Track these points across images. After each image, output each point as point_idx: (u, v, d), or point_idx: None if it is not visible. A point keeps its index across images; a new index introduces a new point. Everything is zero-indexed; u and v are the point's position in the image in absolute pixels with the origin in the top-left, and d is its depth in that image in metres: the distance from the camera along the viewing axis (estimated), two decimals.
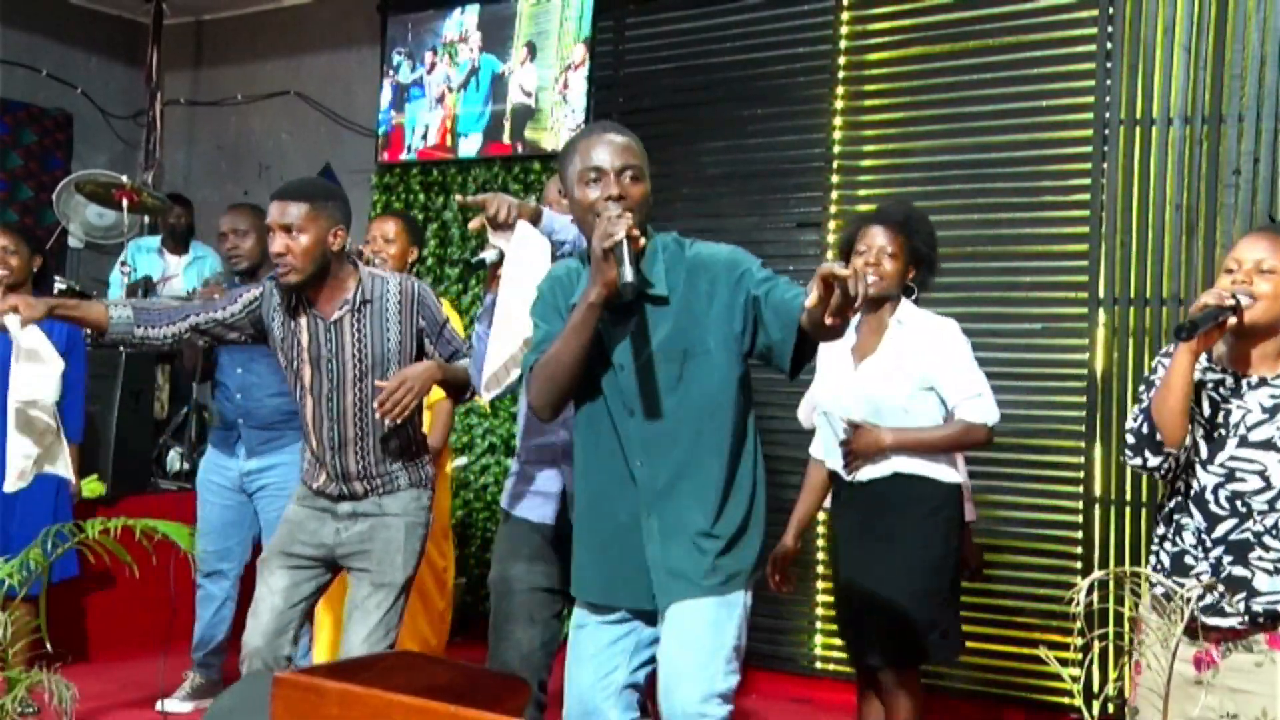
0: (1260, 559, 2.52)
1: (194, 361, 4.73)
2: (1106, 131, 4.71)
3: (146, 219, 6.90)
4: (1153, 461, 2.62)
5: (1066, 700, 4.37)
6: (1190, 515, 2.60)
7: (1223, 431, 2.57)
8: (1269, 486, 2.52)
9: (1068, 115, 4.85)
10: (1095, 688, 3.88)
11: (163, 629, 5.07)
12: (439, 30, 6.67)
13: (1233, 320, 2.51)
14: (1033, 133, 4.94)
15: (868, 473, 3.40)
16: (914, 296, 3.52)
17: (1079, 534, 4.72)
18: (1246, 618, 2.51)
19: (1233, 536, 2.54)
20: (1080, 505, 4.73)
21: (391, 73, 6.82)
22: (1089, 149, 4.76)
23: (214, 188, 7.76)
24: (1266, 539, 2.52)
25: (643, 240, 2.47)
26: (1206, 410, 2.60)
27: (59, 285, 5.57)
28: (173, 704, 4.52)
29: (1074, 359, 4.79)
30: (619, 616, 2.60)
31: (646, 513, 2.54)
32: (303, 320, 3.29)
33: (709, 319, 2.52)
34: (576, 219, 2.61)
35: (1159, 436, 2.58)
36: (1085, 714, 2.09)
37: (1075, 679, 2.13)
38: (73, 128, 7.62)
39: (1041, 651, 2.23)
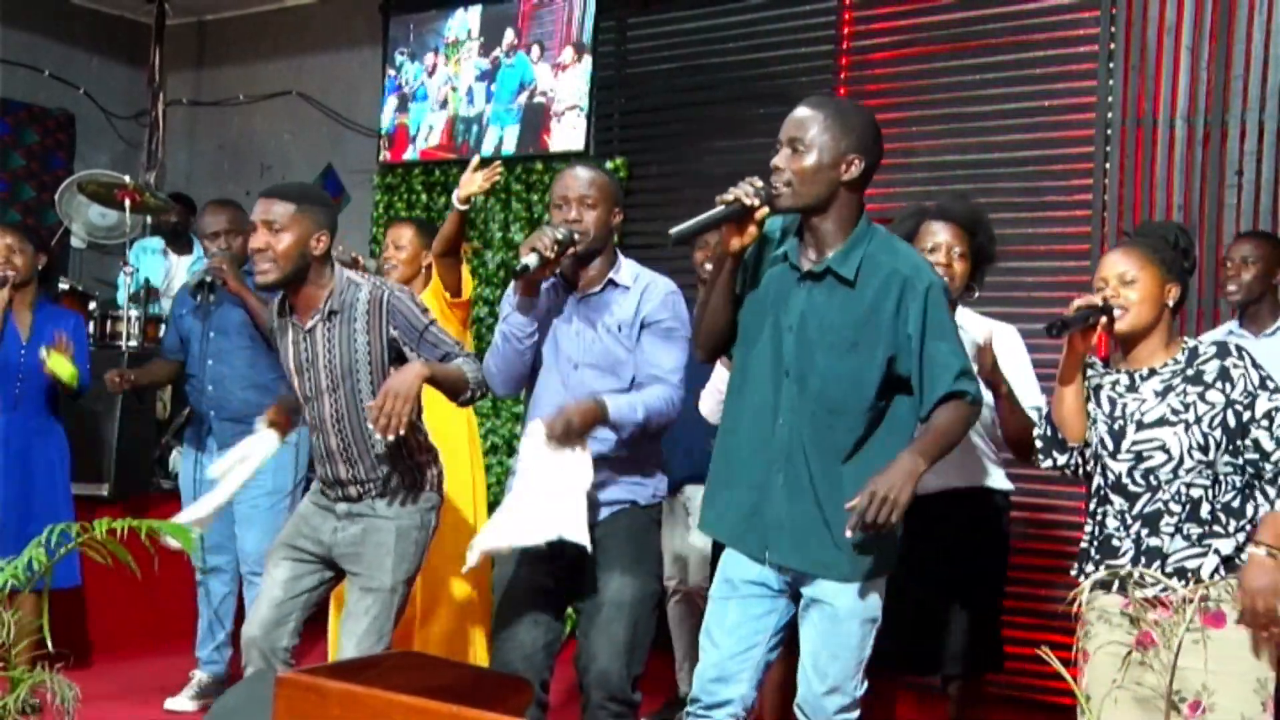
0: (1166, 524, 2.71)
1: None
2: (1109, 132, 4.71)
3: (149, 219, 6.90)
4: (1061, 459, 2.90)
5: (1067, 701, 4.36)
6: (1111, 502, 2.79)
7: (1122, 422, 2.77)
8: (1170, 458, 2.70)
9: (1070, 116, 4.85)
10: None
11: (166, 628, 5.09)
12: (441, 30, 6.67)
13: (1104, 321, 2.75)
14: (1035, 133, 4.94)
15: (936, 484, 3.21)
16: (975, 296, 3.46)
17: (1080, 534, 4.71)
18: (1165, 581, 2.60)
19: (1147, 510, 2.74)
20: (1082, 505, 4.72)
21: (394, 73, 6.83)
22: (1091, 149, 4.76)
23: (216, 188, 7.76)
24: (1171, 504, 2.71)
25: (762, 210, 2.61)
26: (1106, 407, 2.81)
27: (61, 285, 5.58)
28: (178, 703, 4.53)
29: None
30: (764, 592, 2.73)
31: (776, 469, 2.68)
32: (289, 328, 3.31)
33: (889, 325, 2.64)
34: None
35: (1061, 435, 2.86)
36: (1087, 715, 2.09)
37: (1076, 680, 2.13)
38: (75, 128, 7.62)
39: (1042, 651, 2.23)
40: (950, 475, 3.28)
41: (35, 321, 4.49)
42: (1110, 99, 4.71)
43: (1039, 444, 2.93)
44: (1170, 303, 2.80)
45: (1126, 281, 2.78)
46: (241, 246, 4.44)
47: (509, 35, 6.39)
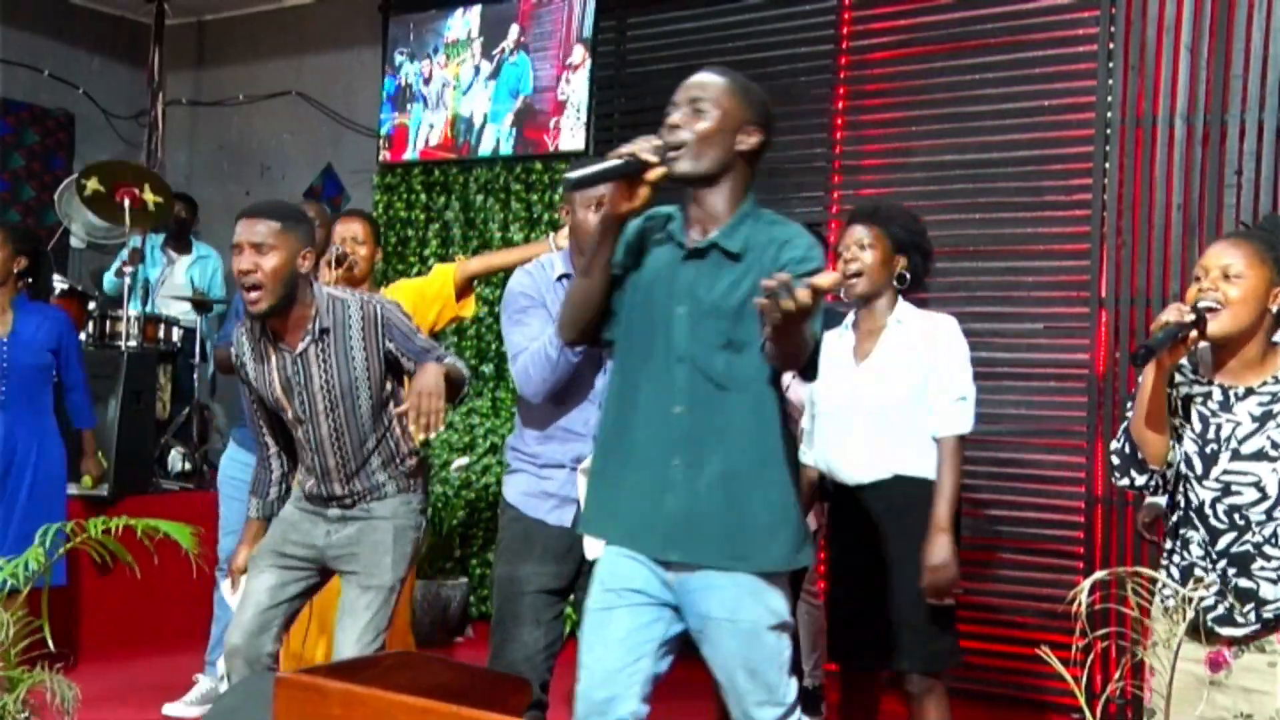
0: (1263, 569, 2.50)
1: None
2: (1108, 131, 4.71)
3: None
4: (1139, 480, 2.65)
5: (1067, 701, 4.36)
6: (1195, 528, 2.58)
7: (1215, 446, 2.54)
8: (1265, 497, 2.49)
9: (1069, 115, 4.85)
10: (1097, 689, 3.88)
11: (166, 630, 5.08)
12: (441, 30, 6.67)
13: (1194, 334, 2.48)
14: (1034, 133, 4.94)
15: (869, 476, 3.37)
16: (904, 286, 3.47)
17: (1080, 534, 4.72)
18: (1259, 625, 2.50)
19: (1234, 549, 2.53)
20: (1082, 505, 4.73)
21: (393, 73, 6.83)
22: (1090, 149, 4.76)
23: (216, 188, 7.77)
24: (1266, 548, 2.50)
25: (656, 171, 2.44)
26: (1197, 426, 2.58)
27: (60, 285, 5.57)
28: (179, 708, 4.49)
29: (1075, 359, 4.79)
30: (646, 601, 2.57)
31: (676, 459, 2.52)
32: (271, 355, 3.23)
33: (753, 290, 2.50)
34: None
35: (1140, 455, 2.61)
36: (1087, 715, 2.08)
37: (1077, 680, 2.13)
38: (75, 128, 7.63)
39: (1043, 652, 2.22)
40: (895, 463, 3.32)
41: (15, 320, 4.48)
42: (1110, 98, 4.71)
43: (1115, 460, 2.69)
44: (1275, 308, 2.52)
45: (1230, 276, 2.50)
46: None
47: (513, 32, 6.39)
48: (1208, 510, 2.55)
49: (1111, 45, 4.72)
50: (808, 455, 3.53)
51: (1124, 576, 2.66)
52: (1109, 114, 4.71)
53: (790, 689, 2.56)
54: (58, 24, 7.55)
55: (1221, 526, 2.53)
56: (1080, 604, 2.32)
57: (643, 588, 2.57)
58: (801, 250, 2.50)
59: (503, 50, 6.41)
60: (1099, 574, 2.69)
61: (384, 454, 3.28)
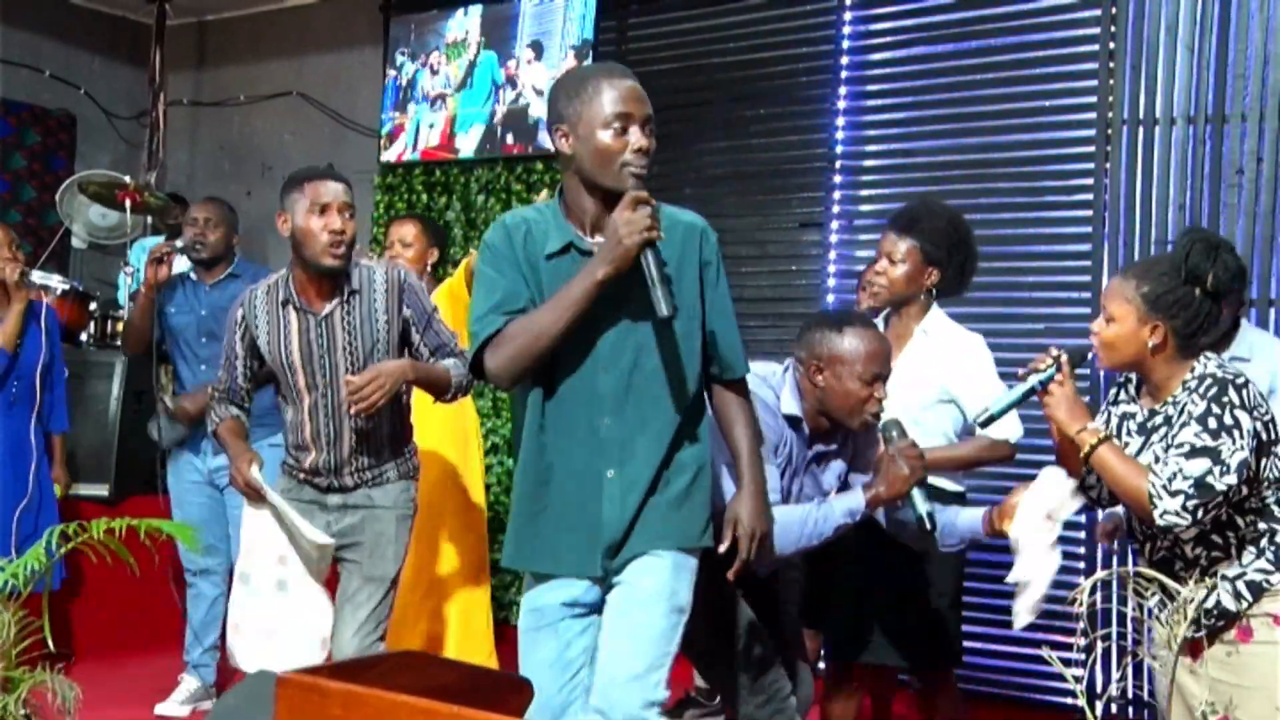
0: (1182, 571, 2.59)
1: (143, 337, 4.60)
2: (1109, 131, 4.71)
3: (149, 219, 6.90)
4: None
5: (1069, 700, 4.36)
6: (1134, 540, 2.73)
7: None
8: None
9: (1070, 115, 4.85)
10: (1098, 688, 3.88)
11: (160, 630, 5.06)
12: (442, 31, 6.67)
13: (1054, 383, 2.63)
14: (1035, 132, 4.94)
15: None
16: (929, 298, 3.45)
17: (1082, 534, 4.71)
18: (1195, 627, 2.52)
19: (1155, 558, 2.66)
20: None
21: (394, 73, 6.83)
22: (1092, 149, 4.76)
23: (217, 188, 7.75)
24: (1177, 549, 2.61)
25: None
26: (1124, 443, 2.69)
27: (61, 285, 5.56)
28: (169, 708, 4.49)
29: None
30: (576, 612, 2.53)
31: (608, 469, 2.48)
32: (292, 316, 3.26)
33: (694, 278, 2.52)
34: (592, 162, 2.46)
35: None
36: (1088, 714, 2.09)
37: (1078, 679, 2.13)
38: (76, 128, 7.62)
39: (1045, 652, 2.23)
40: None
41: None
42: (1111, 98, 4.71)
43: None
44: (1152, 343, 2.57)
45: (1108, 318, 2.62)
46: (217, 242, 4.49)
47: (480, 35, 6.39)
48: (1133, 524, 2.69)
49: (1113, 44, 4.72)
50: None
51: (1125, 577, 2.67)
52: (1110, 113, 4.71)
53: (661, 684, 2.45)
54: (58, 24, 7.55)
55: (1141, 537, 2.67)
56: (1082, 604, 2.33)
57: (570, 599, 2.53)
58: (715, 248, 2.55)
59: (500, 50, 6.41)
60: (1100, 574, 2.71)
61: (394, 429, 3.29)
